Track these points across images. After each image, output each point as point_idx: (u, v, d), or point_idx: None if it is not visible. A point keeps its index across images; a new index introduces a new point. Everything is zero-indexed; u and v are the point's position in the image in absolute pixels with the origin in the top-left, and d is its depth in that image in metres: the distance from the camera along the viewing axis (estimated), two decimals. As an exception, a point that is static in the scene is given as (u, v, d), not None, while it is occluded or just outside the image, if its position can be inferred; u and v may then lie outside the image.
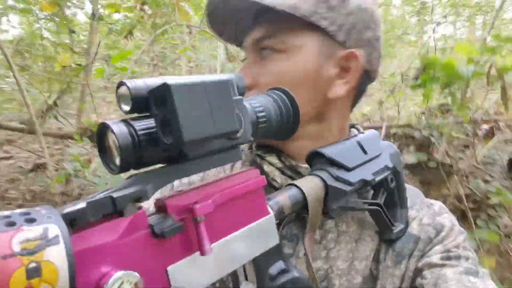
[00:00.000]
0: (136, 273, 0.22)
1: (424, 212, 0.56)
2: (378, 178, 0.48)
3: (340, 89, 0.51)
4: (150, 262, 0.24)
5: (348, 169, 0.44)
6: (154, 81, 0.25)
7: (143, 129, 0.25)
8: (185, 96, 0.23)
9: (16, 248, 0.15)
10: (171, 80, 0.24)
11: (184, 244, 0.26)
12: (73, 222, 0.21)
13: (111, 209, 0.23)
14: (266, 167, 0.52)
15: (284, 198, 0.37)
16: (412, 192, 0.60)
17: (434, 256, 0.50)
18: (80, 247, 0.21)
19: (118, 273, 0.21)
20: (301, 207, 0.38)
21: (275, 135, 0.37)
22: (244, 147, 0.57)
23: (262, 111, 0.34)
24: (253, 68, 0.51)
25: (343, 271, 0.50)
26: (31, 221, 0.17)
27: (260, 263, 0.33)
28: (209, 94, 0.25)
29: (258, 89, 0.50)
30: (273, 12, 0.47)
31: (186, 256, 0.26)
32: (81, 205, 0.21)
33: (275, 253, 0.34)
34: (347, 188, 0.43)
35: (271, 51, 0.50)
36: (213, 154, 0.29)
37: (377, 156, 0.50)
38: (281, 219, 0.36)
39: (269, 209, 0.34)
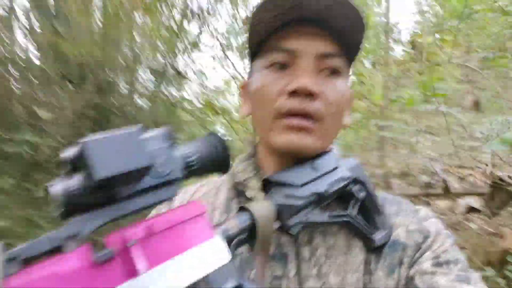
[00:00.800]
0: None
1: (410, 218, 0.57)
2: (333, 189, 0.51)
3: (349, 119, 0.60)
4: None
5: (297, 186, 0.49)
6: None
7: (76, 183, 0.32)
8: (96, 148, 0.31)
9: None
10: (86, 138, 0.32)
11: (123, 270, 0.31)
12: (17, 259, 0.27)
13: (49, 247, 0.29)
14: (248, 193, 0.55)
15: (232, 222, 0.42)
16: (397, 200, 0.61)
17: (425, 263, 0.51)
18: (25, 280, 0.27)
19: None
20: (251, 229, 0.42)
21: (211, 172, 0.43)
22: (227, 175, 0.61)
23: (193, 155, 0.41)
24: (317, 79, 0.51)
25: (336, 286, 0.50)
26: None
27: (213, 281, 0.36)
28: (118, 142, 0.33)
29: (321, 101, 0.51)
30: (340, 30, 0.51)
31: (126, 280, 0.31)
32: (23, 245, 0.28)
33: (227, 271, 0.37)
34: (298, 202, 0.47)
35: (334, 70, 0.53)
36: (144, 193, 0.35)
37: (331, 170, 0.54)
38: (231, 240, 0.40)
39: (215, 232, 0.39)
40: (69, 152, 0.33)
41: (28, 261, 0.28)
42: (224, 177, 0.63)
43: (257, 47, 0.56)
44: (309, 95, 0.50)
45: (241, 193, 0.57)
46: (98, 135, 0.33)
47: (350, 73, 0.58)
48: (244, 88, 0.62)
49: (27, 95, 2.52)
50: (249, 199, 0.55)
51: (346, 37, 0.52)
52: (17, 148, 2.30)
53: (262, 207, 0.44)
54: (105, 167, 0.31)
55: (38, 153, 2.37)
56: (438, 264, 0.49)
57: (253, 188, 0.55)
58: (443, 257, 0.50)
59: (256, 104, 0.56)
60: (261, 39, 0.54)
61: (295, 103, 0.50)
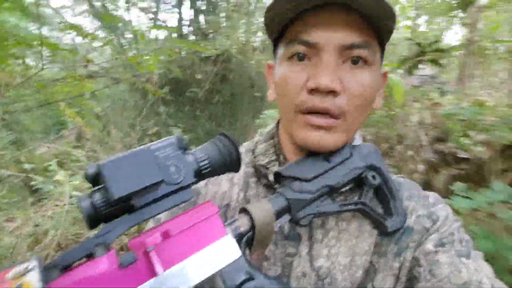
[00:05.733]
0: None
1: (421, 204, 0.58)
2: (345, 180, 0.52)
3: (380, 102, 0.58)
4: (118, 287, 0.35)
5: (307, 180, 0.50)
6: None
7: (99, 198, 0.37)
8: (113, 168, 0.36)
9: (9, 276, 0.28)
10: (104, 161, 0.36)
11: (144, 271, 0.37)
12: (57, 267, 0.33)
13: (82, 254, 0.35)
14: (271, 177, 0.58)
15: (241, 220, 0.45)
16: (410, 185, 0.61)
17: (429, 244, 0.53)
18: (64, 284, 0.33)
19: None
20: (252, 230, 0.46)
21: (223, 172, 0.46)
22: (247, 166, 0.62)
23: (205, 159, 0.45)
24: (340, 73, 0.49)
25: (345, 267, 0.54)
26: (21, 263, 0.30)
27: (226, 275, 0.41)
28: (133, 161, 0.37)
29: (344, 96, 0.49)
30: (369, 15, 0.47)
31: (148, 279, 0.36)
32: (62, 254, 0.34)
33: (239, 266, 0.42)
34: (308, 196, 0.49)
35: (362, 61, 0.50)
36: (160, 200, 0.40)
37: (344, 161, 0.55)
38: (241, 237, 0.44)
39: (227, 230, 0.43)
40: (91, 169, 0.38)
41: (66, 268, 0.34)
42: (243, 150, 0.65)
43: (279, 32, 0.54)
44: (331, 92, 0.48)
45: (263, 175, 0.60)
46: (114, 156, 0.37)
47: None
48: (269, 70, 0.62)
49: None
50: (271, 183, 0.58)
51: (374, 22, 0.48)
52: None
53: (262, 210, 0.46)
54: (121, 186, 0.35)
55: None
56: (442, 244, 0.51)
57: None
58: (448, 239, 0.52)
59: (279, 95, 0.56)
60: (282, 27, 0.52)
61: (315, 101, 0.49)
